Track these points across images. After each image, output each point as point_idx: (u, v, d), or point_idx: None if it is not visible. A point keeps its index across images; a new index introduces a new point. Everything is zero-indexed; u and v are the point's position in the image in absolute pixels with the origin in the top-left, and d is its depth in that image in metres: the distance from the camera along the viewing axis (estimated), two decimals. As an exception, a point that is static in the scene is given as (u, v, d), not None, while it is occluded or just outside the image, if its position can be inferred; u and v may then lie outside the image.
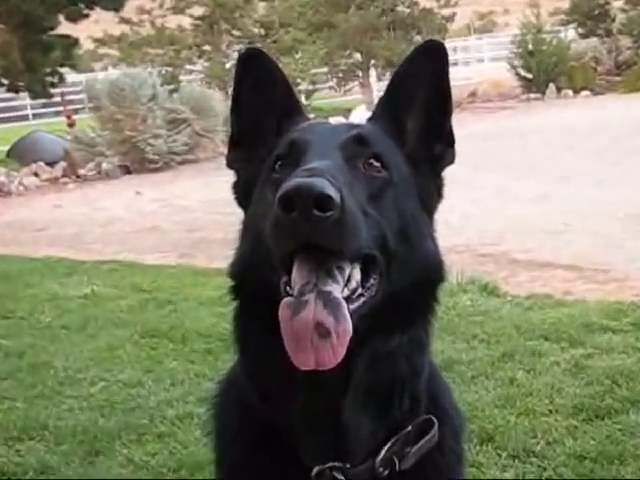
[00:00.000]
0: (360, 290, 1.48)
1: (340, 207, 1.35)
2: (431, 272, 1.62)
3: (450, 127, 1.75)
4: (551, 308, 5.35)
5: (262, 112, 1.75)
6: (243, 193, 1.76)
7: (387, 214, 1.54)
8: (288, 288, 1.44)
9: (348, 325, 1.38)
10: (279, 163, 1.61)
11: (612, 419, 3.52)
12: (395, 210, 1.57)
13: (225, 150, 1.84)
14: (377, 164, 1.58)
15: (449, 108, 1.73)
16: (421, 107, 1.72)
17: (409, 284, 1.57)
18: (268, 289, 1.51)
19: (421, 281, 1.59)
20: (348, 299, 1.43)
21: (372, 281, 1.51)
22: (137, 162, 15.93)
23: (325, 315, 1.38)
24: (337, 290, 1.41)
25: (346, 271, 1.44)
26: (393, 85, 1.74)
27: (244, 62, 1.75)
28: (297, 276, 1.43)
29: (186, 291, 6.67)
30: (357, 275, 1.47)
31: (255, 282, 1.57)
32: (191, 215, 10.83)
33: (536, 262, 6.95)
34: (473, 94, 23.93)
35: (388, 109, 1.74)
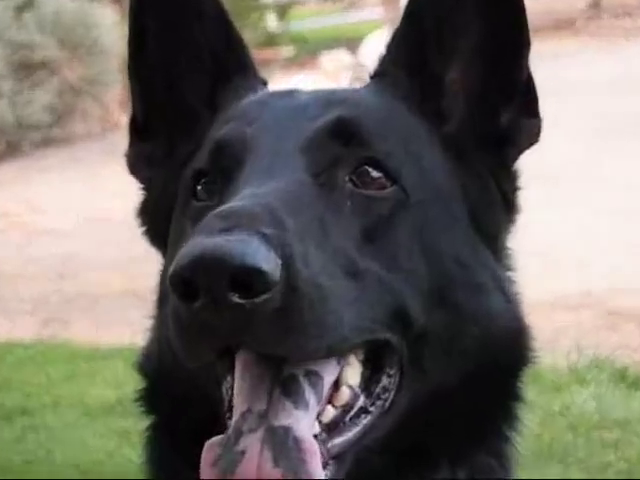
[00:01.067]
0: (362, 401, 1.60)
1: (284, 282, 1.44)
2: (502, 350, 1.72)
3: (528, 75, 1.81)
4: None
5: (182, 73, 1.87)
6: (156, 224, 1.87)
7: (404, 264, 1.64)
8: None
9: None
10: (202, 182, 1.71)
11: None
12: (420, 253, 1.66)
13: (123, 118, 2.05)
14: (377, 175, 1.67)
15: (524, 38, 1.78)
16: (473, 40, 1.79)
17: (459, 382, 1.67)
18: (202, 400, 1.65)
19: (483, 373, 1.69)
20: (334, 427, 1.56)
21: (385, 382, 1.62)
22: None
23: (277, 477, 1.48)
24: (303, 422, 1.53)
25: (325, 380, 1.56)
26: (417, 4, 1.81)
27: None
28: (237, 389, 1.56)
29: (56, 390, 6.75)
30: (353, 377, 1.59)
31: (182, 388, 1.70)
32: (62, 246, 10.96)
33: None
34: (595, 4, 24.57)
35: (409, 52, 1.81)
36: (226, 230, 1.46)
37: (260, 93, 1.89)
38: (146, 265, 1.86)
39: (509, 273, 1.81)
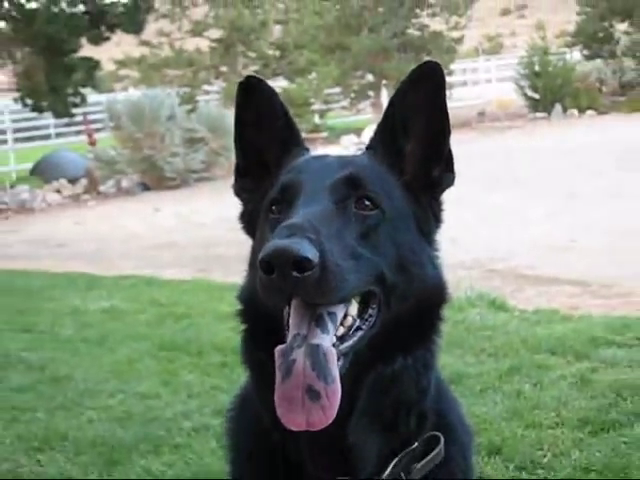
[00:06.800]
0: (358, 323, 2.05)
1: (320, 265, 1.85)
2: (432, 296, 2.20)
3: (449, 149, 2.27)
4: (557, 323, 7.31)
5: (263, 144, 2.33)
6: (249, 223, 2.35)
7: (382, 250, 2.08)
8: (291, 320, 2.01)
9: (337, 386, 1.92)
10: (274, 206, 2.16)
11: (617, 432, 4.89)
12: (391, 245, 2.11)
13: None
14: (368, 203, 2.11)
15: (447, 130, 2.25)
16: (419, 130, 2.23)
17: (409, 311, 2.14)
18: (271, 320, 2.10)
19: (422, 306, 2.16)
20: (343, 338, 2.00)
21: (370, 312, 2.07)
22: (155, 179, 23.00)
23: (314, 378, 1.90)
24: (327, 340, 1.94)
25: (338, 315, 1.99)
26: (391, 109, 2.25)
27: (243, 91, 2.30)
28: (291, 321, 1.99)
29: (202, 306, 9.24)
30: (353, 310, 2.05)
31: (259, 312, 2.15)
32: (207, 231, 14.53)
33: (543, 278, 9.58)
34: (482, 113, 35.16)
35: (386, 136, 2.26)
36: (289, 235, 1.84)
37: (306, 156, 2.30)
38: (248, 243, 2.36)
39: (436, 253, 2.26)
